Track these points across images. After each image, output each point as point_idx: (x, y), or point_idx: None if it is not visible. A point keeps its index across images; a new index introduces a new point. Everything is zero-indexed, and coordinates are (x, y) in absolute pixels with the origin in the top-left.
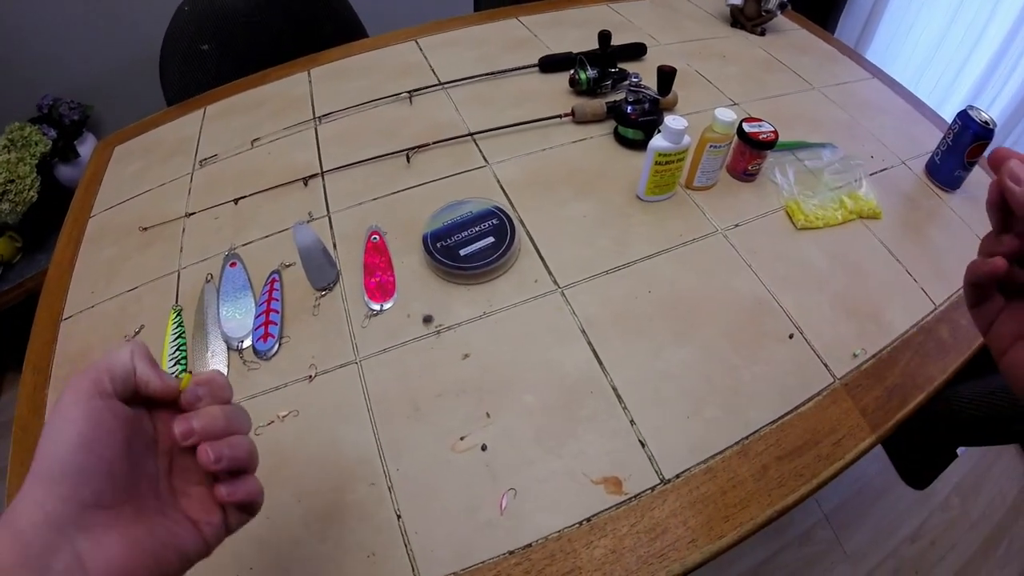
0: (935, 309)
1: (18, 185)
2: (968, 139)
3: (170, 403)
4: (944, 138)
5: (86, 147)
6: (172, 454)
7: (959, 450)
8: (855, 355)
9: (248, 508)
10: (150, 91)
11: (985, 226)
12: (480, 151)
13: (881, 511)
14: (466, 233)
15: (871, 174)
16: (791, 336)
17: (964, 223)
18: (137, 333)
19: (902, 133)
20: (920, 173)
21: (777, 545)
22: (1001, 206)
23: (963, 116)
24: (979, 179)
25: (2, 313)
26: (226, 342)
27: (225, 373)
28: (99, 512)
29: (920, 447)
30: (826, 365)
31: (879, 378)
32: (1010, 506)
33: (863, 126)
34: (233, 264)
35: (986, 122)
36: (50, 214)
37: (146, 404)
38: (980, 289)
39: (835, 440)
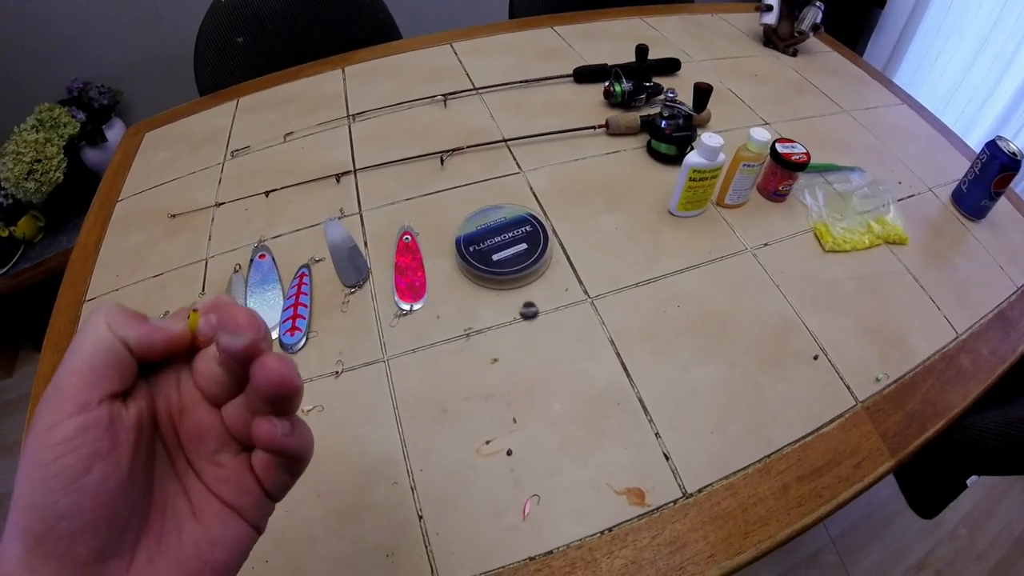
0: (957, 337)
1: (45, 165)
2: (995, 169)
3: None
4: (971, 167)
5: (114, 132)
6: (174, 422)
7: (969, 481)
8: (878, 379)
9: (296, 462)
10: (179, 82)
11: (1010, 258)
12: (514, 158)
13: (888, 538)
14: (499, 238)
15: (898, 200)
16: (816, 357)
17: (988, 253)
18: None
19: (929, 160)
20: (946, 201)
21: (784, 567)
22: None
23: (991, 146)
24: (1005, 210)
25: (21, 292)
26: None
27: None
28: (110, 564)
29: (931, 476)
30: (849, 388)
31: (900, 403)
32: (1017, 539)
33: (892, 151)
34: (262, 256)
35: (1014, 153)
36: (74, 196)
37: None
38: None
39: (855, 462)
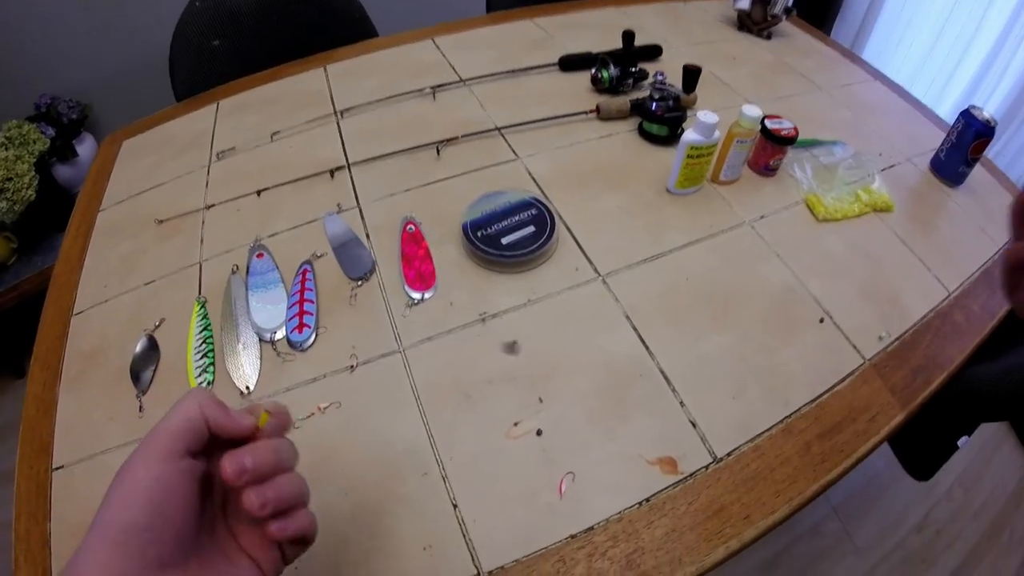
0: (948, 295)
1: (16, 183)
2: (971, 137)
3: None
4: (948, 136)
5: (84, 147)
6: (224, 489)
7: (960, 442)
8: (880, 338)
9: (302, 541)
10: (148, 92)
11: (989, 219)
12: (509, 145)
13: (887, 503)
14: (506, 222)
15: (881, 170)
16: (821, 320)
17: (969, 216)
18: (158, 326)
19: (904, 132)
20: (925, 169)
21: (788, 538)
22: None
23: (966, 115)
24: (981, 176)
25: None
26: (257, 333)
27: (258, 365)
28: (164, 571)
29: (924, 439)
30: (855, 347)
31: (904, 359)
32: (1011, 495)
33: (869, 125)
34: (260, 255)
35: (987, 120)
36: (47, 214)
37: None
38: (1017, 275)
39: (869, 417)
